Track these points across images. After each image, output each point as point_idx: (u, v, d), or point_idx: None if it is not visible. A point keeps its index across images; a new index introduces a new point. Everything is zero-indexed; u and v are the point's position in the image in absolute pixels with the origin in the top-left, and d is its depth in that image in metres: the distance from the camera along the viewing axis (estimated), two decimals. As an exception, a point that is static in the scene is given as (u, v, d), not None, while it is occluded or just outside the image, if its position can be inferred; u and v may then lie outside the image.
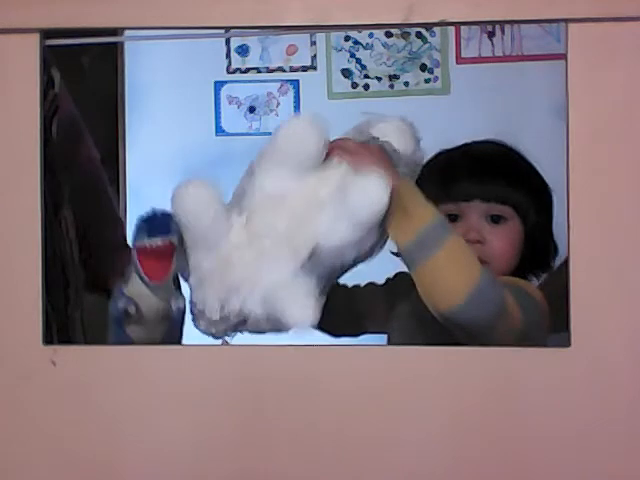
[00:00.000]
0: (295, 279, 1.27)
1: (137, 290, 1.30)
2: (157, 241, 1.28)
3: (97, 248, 1.62)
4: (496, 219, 1.50)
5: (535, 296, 1.44)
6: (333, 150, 1.31)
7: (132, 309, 1.30)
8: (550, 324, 1.45)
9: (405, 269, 1.33)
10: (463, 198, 1.50)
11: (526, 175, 1.55)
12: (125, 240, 1.68)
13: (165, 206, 1.31)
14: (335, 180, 1.28)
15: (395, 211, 1.26)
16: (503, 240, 1.50)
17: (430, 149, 1.62)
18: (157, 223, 1.29)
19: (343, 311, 1.51)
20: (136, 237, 1.29)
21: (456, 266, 1.27)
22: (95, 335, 1.60)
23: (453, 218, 1.50)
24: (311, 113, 1.29)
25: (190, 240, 1.30)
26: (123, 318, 1.31)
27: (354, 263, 1.31)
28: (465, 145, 1.58)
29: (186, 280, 1.34)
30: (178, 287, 1.33)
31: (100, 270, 1.56)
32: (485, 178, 1.51)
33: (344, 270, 1.33)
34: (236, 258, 1.29)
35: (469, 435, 1.19)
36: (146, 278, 1.29)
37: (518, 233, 1.51)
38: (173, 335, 1.34)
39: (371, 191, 1.23)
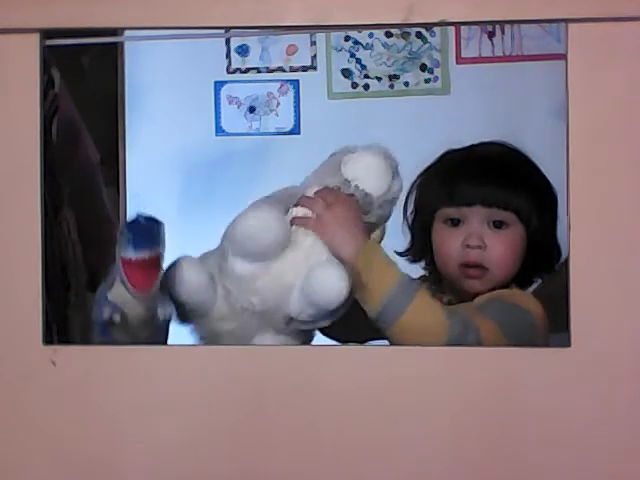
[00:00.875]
0: (277, 341, 1.34)
1: (122, 297, 1.30)
2: (144, 254, 1.27)
3: (96, 249, 1.62)
4: (498, 224, 1.49)
5: (528, 307, 1.45)
6: (299, 220, 1.34)
7: (117, 317, 1.30)
8: (550, 325, 1.45)
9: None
10: (465, 203, 1.50)
11: (530, 178, 1.54)
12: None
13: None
14: (299, 264, 1.31)
15: (360, 278, 1.30)
16: (504, 246, 1.49)
17: (430, 149, 1.62)
18: (143, 234, 1.28)
19: (348, 319, 1.52)
20: (122, 247, 1.27)
21: (424, 323, 1.30)
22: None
23: (455, 222, 1.51)
24: (268, 206, 1.32)
25: (187, 310, 1.36)
26: (107, 325, 1.31)
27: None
28: (471, 147, 1.57)
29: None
30: (166, 293, 1.33)
31: (100, 271, 1.56)
32: (488, 183, 1.50)
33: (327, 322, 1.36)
34: (221, 328, 1.35)
35: (469, 435, 1.19)
36: (132, 289, 1.29)
37: (520, 238, 1.50)
38: (157, 338, 1.35)
39: (330, 285, 1.28)
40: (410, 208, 1.59)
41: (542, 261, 1.55)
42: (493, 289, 1.49)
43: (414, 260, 1.59)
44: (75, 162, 1.63)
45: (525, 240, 1.50)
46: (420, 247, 1.58)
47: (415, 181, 1.59)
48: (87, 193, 1.66)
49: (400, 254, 1.53)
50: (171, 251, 1.46)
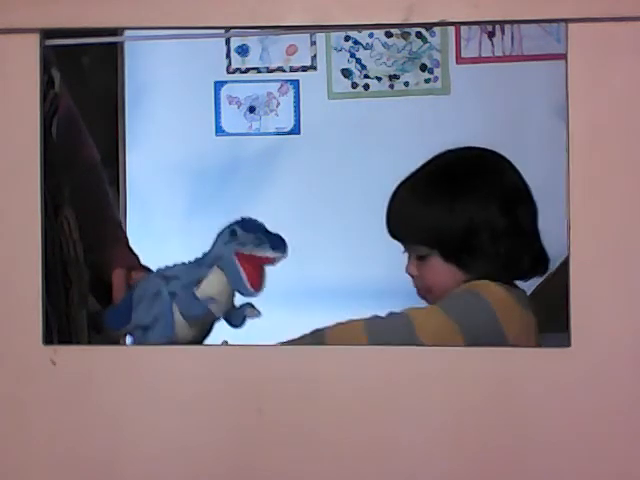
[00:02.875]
0: None
1: (215, 292, 1.37)
2: (268, 253, 1.35)
3: (98, 249, 1.61)
4: (420, 257, 1.59)
5: (489, 298, 1.50)
6: None
7: (214, 307, 1.36)
8: (549, 325, 1.46)
9: None
10: (393, 237, 1.63)
11: (485, 187, 1.57)
12: (125, 241, 1.68)
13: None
14: None
15: None
16: (429, 274, 1.59)
17: (430, 149, 1.63)
18: (272, 238, 1.37)
19: None
20: (242, 244, 1.36)
21: None
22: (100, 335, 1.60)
23: (404, 251, 1.63)
24: None
25: None
26: (200, 319, 1.38)
27: None
28: (425, 165, 1.64)
29: None
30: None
31: (103, 271, 1.56)
32: (402, 221, 1.61)
33: None
34: None
35: (469, 435, 1.18)
36: (249, 285, 1.36)
37: (439, 266, 1.57)
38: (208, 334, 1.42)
39: None
40: None
41: (523, 263, 1.58)
42: None
43: None
44: (75, 162, 1.62)
45: (447, 265, 1.57)
46: None
47: None
48: (88, 192, 1.65)
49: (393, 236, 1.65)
50: (171, 249, 1.47)
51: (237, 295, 1.39)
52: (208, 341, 1.42)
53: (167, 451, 1.22)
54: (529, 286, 1.64)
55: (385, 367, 1.20)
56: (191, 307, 1.37)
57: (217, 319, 1.39)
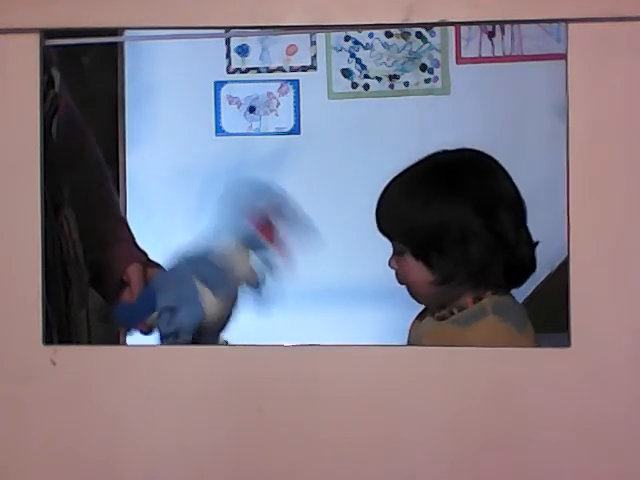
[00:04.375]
0: None
1: (229, 252, 1.41)
2: (271, 201, 1.40)
3: (104, 247, 1.61)
4: (398, 252, 1.62)
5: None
6: None
7: (230, 266, 1.39)
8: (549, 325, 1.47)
9: None
10: (380, 230, 1.65)
11: (449, 201, 1.59)
12: (132, 239, 1.68)
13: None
14: None
15: None
16: (404, 270, 1.62)
17: (430, 150, 1.63)
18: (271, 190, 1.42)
19: None
20: (246, 203, 1.41)
21: None
22: (100, 335, 1.60)
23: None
24: None
25: None
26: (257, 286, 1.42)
27: None
28: (413, 165, 1.65)
29: None
30: None
31: (113, 268, 1.56)
32: (385, 215, 1.64)
33: None
34: None
35: (469, 435, 1.19)
36: (263, 238, 1.39)
37: (411, 263, 1.60)
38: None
39: None
40: None
41: (510, 271, 1.59)
42: (439, 298, 1.61)
43: None
44: (75, 162, 1.62)
45: (418, 266, 1.59)
46: None
47: None
48: (90, 192, 1.65)
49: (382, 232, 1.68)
50: (171, 249, 1.46)
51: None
52: (237, 317, 1.44)
53: (167, 451, 1.22)
54: (527, 287, 1.64)
55: (385, 367, 1.20)
56: (209, 272, 1.39)
57: (239, 284, 1.41)
